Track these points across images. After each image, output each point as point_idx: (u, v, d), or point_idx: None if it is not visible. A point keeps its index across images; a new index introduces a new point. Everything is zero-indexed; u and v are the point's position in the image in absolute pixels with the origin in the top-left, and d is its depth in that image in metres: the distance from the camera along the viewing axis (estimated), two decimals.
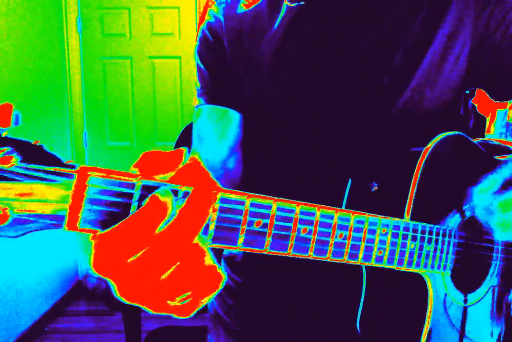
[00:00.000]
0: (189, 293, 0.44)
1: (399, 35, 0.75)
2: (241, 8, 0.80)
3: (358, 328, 0.71)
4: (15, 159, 0.38)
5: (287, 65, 0.77)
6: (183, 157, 0.44)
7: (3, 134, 0.39)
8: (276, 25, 0.77)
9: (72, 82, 3.54)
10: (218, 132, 0.82)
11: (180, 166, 0.44)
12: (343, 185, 0.67)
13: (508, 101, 0.89)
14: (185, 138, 0.92)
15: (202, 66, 0.84)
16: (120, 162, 3.57)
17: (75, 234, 3.62)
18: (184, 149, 0.44)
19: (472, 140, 0.75)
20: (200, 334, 0.99)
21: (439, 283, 0.70)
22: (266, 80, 0.78)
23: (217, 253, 0.99)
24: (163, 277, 0.43)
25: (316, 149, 0.78)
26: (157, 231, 0.42)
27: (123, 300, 0.44)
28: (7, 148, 0.38)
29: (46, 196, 0.40)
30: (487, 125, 1.98)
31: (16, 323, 2.74)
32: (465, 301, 0.75)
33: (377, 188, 0.66)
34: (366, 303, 0.70)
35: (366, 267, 0.69)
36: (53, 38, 3.32)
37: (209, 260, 0.45)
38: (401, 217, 0.66)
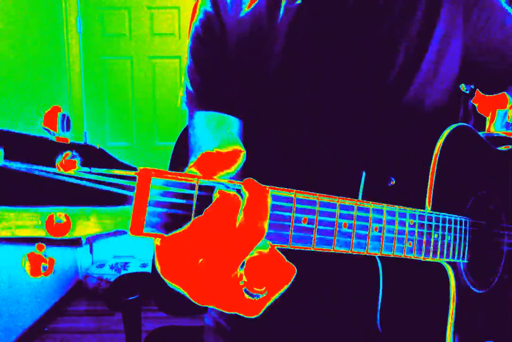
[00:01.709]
0: (263, 289, 0.43)
1: (399, 34, 0.75)
2: (243, 11, 0.80)
3: (379, 326, 0.71)
4: (76, 163, 0.36)
5: (291, 63, 0.77)
6: (241, 157, 0.42)
7: (67, 141, 0.36)
8: (277, 26, 0.77)
9: (72, 82, 3.53)
10: (218, 141, 0.80)
11: (237, 165, 0.42)
12: (355, 180, 0.68)
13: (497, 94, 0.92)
14: (185, 138, 0.92)
15: (195, 65, 0.83)
16: None
17: None
18: (243, 150, 0.43)
19: (476, 131, 0.78)
20: (200, 334, 0.98)
21: (459, 271, 0.72)
22: (271, 80, 0.77)
23: None
24: (235, 273, 0.41)
25: (317, 145, 0.77)
26: (237, 222, 0.40)
27: (198, 303, 0.42)
28: (69, 153, 0.35)
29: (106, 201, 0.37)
30: (487, 125, 1.98)
31: (16, 323, 2.74)
32: (479, 288, 0.76)
33: (394, 182, 0.67)
34: (385, 299, 0.70)
35: (382, 262, 0.70)
36: (53, 38, 3.32)
37: (276, 252, 0.43)
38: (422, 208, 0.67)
